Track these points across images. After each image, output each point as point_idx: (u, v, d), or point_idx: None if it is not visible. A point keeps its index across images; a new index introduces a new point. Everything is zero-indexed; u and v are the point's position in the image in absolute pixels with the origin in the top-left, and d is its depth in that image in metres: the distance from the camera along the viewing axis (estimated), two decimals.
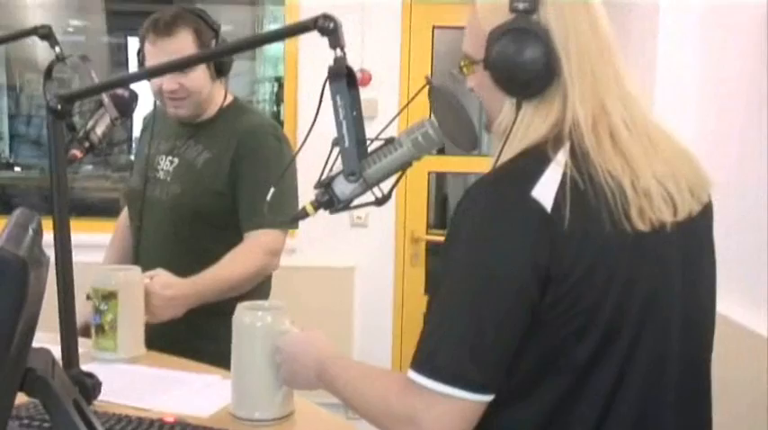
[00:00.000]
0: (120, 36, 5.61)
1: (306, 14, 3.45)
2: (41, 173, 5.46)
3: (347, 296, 3.58)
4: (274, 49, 4.51)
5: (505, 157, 1.12)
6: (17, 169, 5.33)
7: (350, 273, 3.59)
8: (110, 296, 1.72)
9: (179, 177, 2.03)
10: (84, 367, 1.62)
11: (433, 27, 3.70)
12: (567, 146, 1.08)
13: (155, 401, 1.49)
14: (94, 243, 2.43)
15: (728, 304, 2.59)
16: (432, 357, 1.05)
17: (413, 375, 1.06)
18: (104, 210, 5.04)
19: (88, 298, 2.17)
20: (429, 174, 3.76)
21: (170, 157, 2.07)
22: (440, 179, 4.25)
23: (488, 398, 1.05)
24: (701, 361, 1.18)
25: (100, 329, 1.74)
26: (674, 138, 1.17)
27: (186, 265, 1.89)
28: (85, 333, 2.11)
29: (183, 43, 1.96)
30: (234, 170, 1.98)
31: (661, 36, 3.09)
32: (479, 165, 4.24)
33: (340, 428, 1.44)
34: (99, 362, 1.70)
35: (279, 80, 5.20)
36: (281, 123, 3.68)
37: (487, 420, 1.07)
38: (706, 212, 1.18)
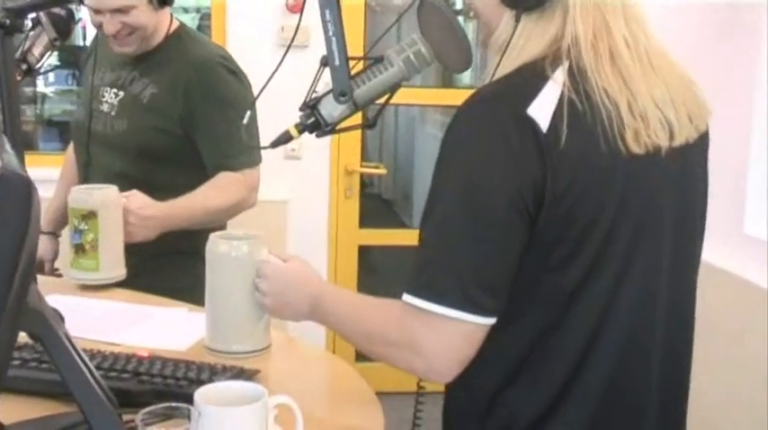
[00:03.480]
0: None
1: None
2: None
3: (281, 230, 3.50)
4: None
5: (501, 74, 1.09)
6: None
7: (283, 206, 3.51)
8: (89, 215, 1.64)
9: (125, 112, 1.91)
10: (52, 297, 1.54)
11: None
12: (565, 64, 1.05)
13: (125, 336, 1.42)
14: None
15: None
16: (434, 281, 1.02)
17: (414, 300, 1.03)
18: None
19: (41, 232, 2.06)
20: None
21: (114, 89, 1.94)
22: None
23: (492, 320, 1.03)
24: (688, 293, 1.19)
25: (80, 249, 1.66)
26: (677, 64, 1.15)
27: None
28: (38, 267, 2.00)
29: None
30: (187, 110, 1.87)
31: None
32: (416, 96, 4.20)
33: (319, 358, 1.41)
34: (80, 282, 1.67)
35: (199, 11, 4.97)
36: None
37: None
38: (703, 141, 1.17)
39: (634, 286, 1.08)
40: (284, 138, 1.27)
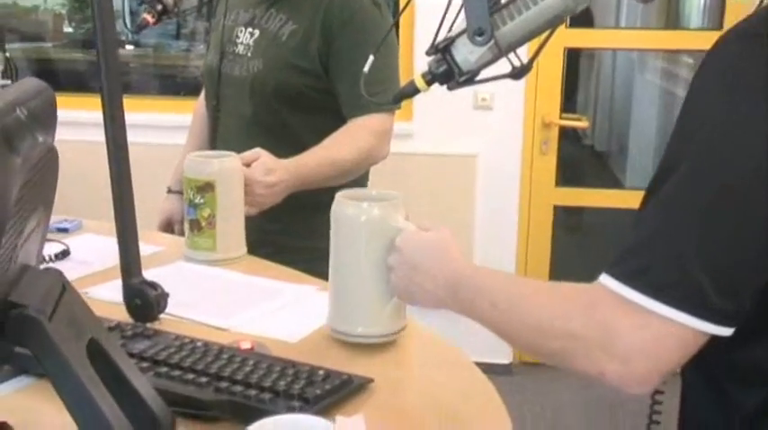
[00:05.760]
0: None
1: None
2: (155, 51, 5.35)
3: (468, 186, 3.25)
4: None
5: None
6: (128, 47, 5.21)
7: (472, 160, 3.24)
8: (206, 187, 1.46)
9: (261, 51, 1.74)
10: (165, 267, 1.41)
11: None
12: None
13: (234, 321, 1.23)
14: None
15: None
16: (651, 268, 0.80)
17: (620, 288, 0.81)
18: None
19: (169, 191, 1.94)
20: (565, 50, 3.30)
21: (250, 29, 1.77)
22: (572, 57, 3.75)
23: (727, 331, 0.80)
24: None
25: (196, 225, 1.49)
26: None
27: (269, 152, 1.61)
28: (167, 228, 1.89)
29: None
30: (325, 42, 1.68)
31: None
32: (634, 39, 3.72)
33: (455, 364, 1.14)
34: (195, 262, 1.48)
35: None
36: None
37: (709, 358, 0.82)
38: None
39: None
40: (409, 91, 1.01)
